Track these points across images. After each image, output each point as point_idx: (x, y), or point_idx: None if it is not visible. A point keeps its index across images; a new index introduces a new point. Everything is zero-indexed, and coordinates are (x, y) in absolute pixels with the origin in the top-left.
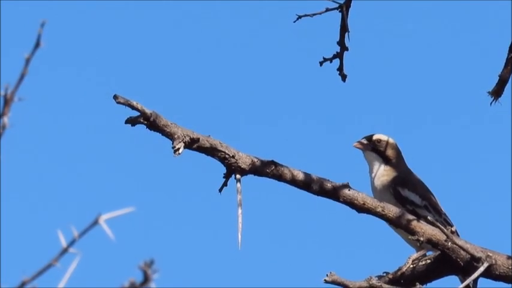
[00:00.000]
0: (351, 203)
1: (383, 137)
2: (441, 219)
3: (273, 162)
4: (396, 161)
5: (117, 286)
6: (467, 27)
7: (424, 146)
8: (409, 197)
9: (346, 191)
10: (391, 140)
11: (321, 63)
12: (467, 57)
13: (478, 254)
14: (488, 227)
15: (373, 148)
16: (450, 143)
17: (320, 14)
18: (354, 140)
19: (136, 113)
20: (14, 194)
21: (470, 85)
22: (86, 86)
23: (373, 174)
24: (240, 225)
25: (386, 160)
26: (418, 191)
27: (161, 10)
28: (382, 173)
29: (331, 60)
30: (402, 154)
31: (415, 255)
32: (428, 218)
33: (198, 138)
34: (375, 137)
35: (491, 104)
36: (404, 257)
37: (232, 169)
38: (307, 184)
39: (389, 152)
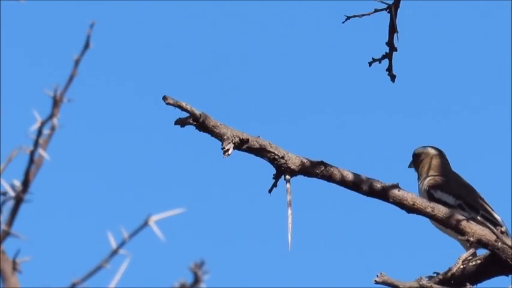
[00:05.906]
0: (401, 204)
1: (419, 150)
2: (476, 217)
3: (322, 163)
4: (435, 167)
5: (168, 287)
6: None
7: (474, 144)
8: (441, 198)
9: (395, 192)
10: (428, 151)
11: (370, 64)
12: None
13: None
14: None
15: (414, 163)
16: (503, 141)
17: (369, 14)
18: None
19: (185, 114)
20: (63, 195)
21: None
22: (135, 87)
23: (418, 181)
24: (289, 225)
25: (426, 170)
26: (452, 191)
27: (206, 10)
28: (424, 179)
29: (380, 60)
30: (444, 158)
31: (465, 255)
32: (478, 218)
33: (248, 139)
34: (415, 151)
35: None
36: (454, 257)
37: (281, 170)
38: (357, 185)
39: (428, 162)
